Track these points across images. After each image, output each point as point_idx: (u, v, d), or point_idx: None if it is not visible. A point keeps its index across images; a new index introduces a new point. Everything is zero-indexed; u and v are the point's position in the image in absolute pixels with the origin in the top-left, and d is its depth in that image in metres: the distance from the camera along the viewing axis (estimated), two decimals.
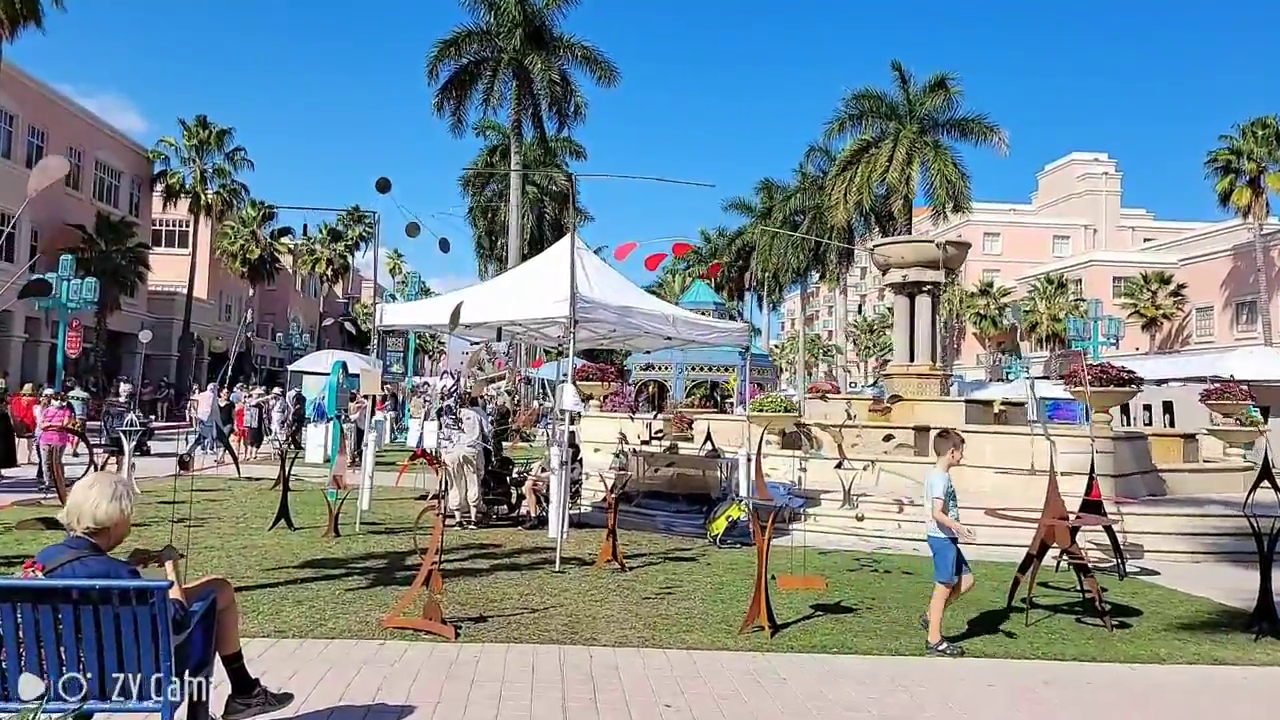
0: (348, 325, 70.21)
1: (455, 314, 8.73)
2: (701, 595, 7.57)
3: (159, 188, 46.12)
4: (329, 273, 64.55)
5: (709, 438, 12.21)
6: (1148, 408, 24.73)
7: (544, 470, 11.43)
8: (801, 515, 11.17)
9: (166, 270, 47.18)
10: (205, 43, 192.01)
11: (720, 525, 9.75)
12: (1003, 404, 16.06)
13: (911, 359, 17.11)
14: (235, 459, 15.49)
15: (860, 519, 10.18)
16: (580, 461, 11.46)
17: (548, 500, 10.92)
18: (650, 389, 30.01)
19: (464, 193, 47.06)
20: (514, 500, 11.64)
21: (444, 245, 11.06)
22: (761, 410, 13.70)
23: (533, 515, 10.87)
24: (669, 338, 9.92)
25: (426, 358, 66.89)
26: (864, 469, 11.32)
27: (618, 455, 12.18)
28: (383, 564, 8.41)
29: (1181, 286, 46.25)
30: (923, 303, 17.04)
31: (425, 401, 22.18)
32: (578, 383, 19.02)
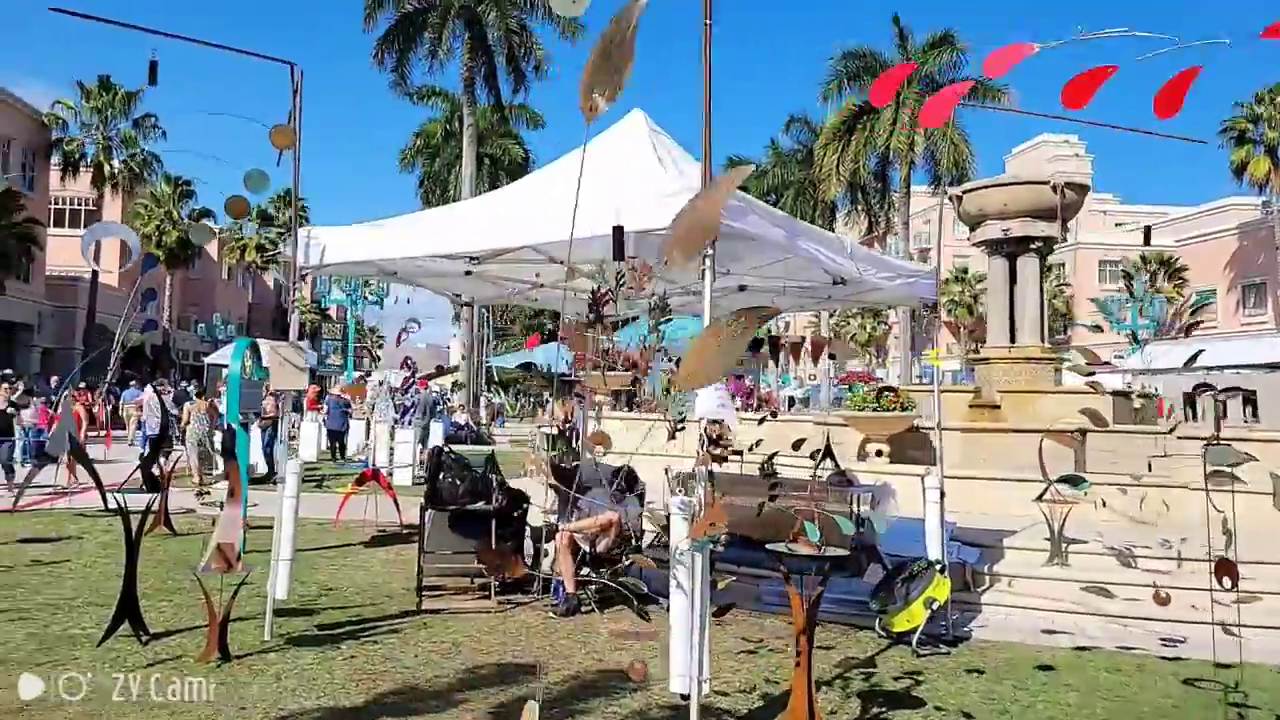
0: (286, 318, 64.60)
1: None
2: None
3: (55, 158, 40.20)
4: (259, 260, 58.80)
5: (828, 452, 8.01)
6: (1219, 399, 21.50)
7: (562, 512, 7.21)
8: (984, 577, 7.16)
9: (67, 254, 41.35)
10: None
11: (917, 616, 5.61)
12: (1140, 396, 12.29)
13: (1013, 339, 13.22)
14: (98, 480, 10.89)
15: (1105, 593, 6.11)
16: (641, 498, 7.26)
17: (597, 562, 6.70)
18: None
19: (410, 165, 42.11)
20: (526, 558, 7.37)
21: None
22: (865, 408, 9.66)
23: (568, 590, 6.62)
24: (839, 281, 5.84)
25: (366, 353, 61.56)
26: (1079, 494, 7.29)
27: (680, 479, 8.00)
28: None
29: (1182, 269, 43.67)
30: (1028, 265, 13.15)
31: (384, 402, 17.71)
32: (588, 369, 14.74)
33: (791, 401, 43.14)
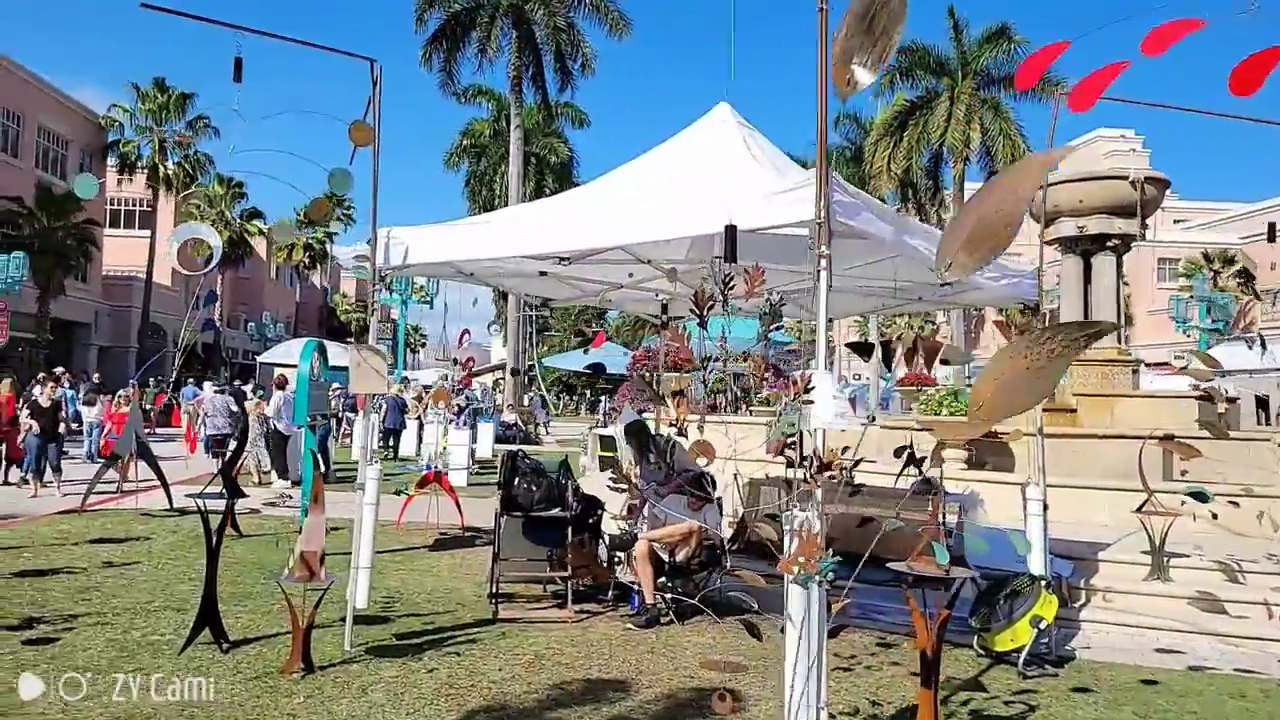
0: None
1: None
2: None
3: (111, 160, 41.01)
4: (306, 260, 59.52)
5: (911, 456, 7.70)
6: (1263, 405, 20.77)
7: (621, 519, 7.01)
8: (1080, 592, 6.82)
9: (123, 254, 42.23)
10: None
11: (1022, 635, 5.31)
12: (1226, 400, 11.77)
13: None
14: (163, 480, 10.95)
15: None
16: (720, 505, 7.03)
17: (674, 572, 6.50)
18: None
19: (456, 165, 42.22)
20: (603, 564, 7.18)
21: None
22: (942, 410, 9.32)
23: (647, 602, 6.41)
24: (946, 282, 5.56)
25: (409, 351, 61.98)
26: (1179, 505, 6.91)
27: (752, 485, 7.79)
28: None
29: (1247, 267, 42.21)
30: (1104, 263, 12.66)
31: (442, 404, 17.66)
32: (650, 370, 14.52)
33: None
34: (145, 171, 40.99)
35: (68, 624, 5.92)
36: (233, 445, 10.45)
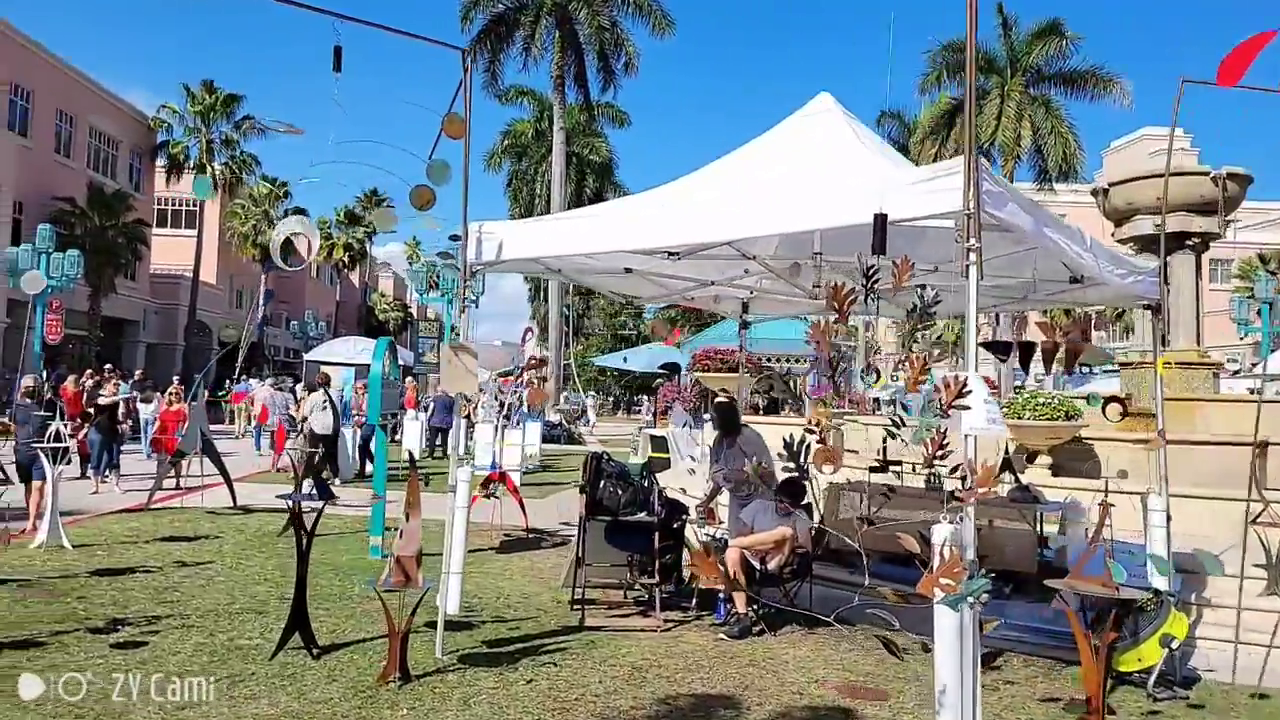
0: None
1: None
2: None
3: (161, 160, 41.61)
4: (345, 259, 60.00)
5: (1007, 462, 7.41)
6: None
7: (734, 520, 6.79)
8: (1192, 608, 6.48)
9: (170, 253, 42.79)
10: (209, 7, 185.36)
11: (1150, 656, 5.01)
12: None
13: (1164, 342, 12.28)
14: (227, 477, 10.94)
15: None
16: (810, 510, 6.80)
17: (764, 580, 6.28)
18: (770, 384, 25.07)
19: (498, 165, 42.28)
20: (680, 569, 6.99)
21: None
22: (1026, 414, 9.01)
23: (739, 611, 6.20)
24: (1076, 279, 5.28)
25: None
26: None
27: (831, 489, 7.54)
28: None
29: None
30: (1183, 263, 12.22)
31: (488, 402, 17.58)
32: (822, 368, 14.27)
33: (877, 403, 41.94)
34: (193, 172, 41.47)
35: (152, 626, 5.84)
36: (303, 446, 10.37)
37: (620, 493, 6.56)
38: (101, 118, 37.71)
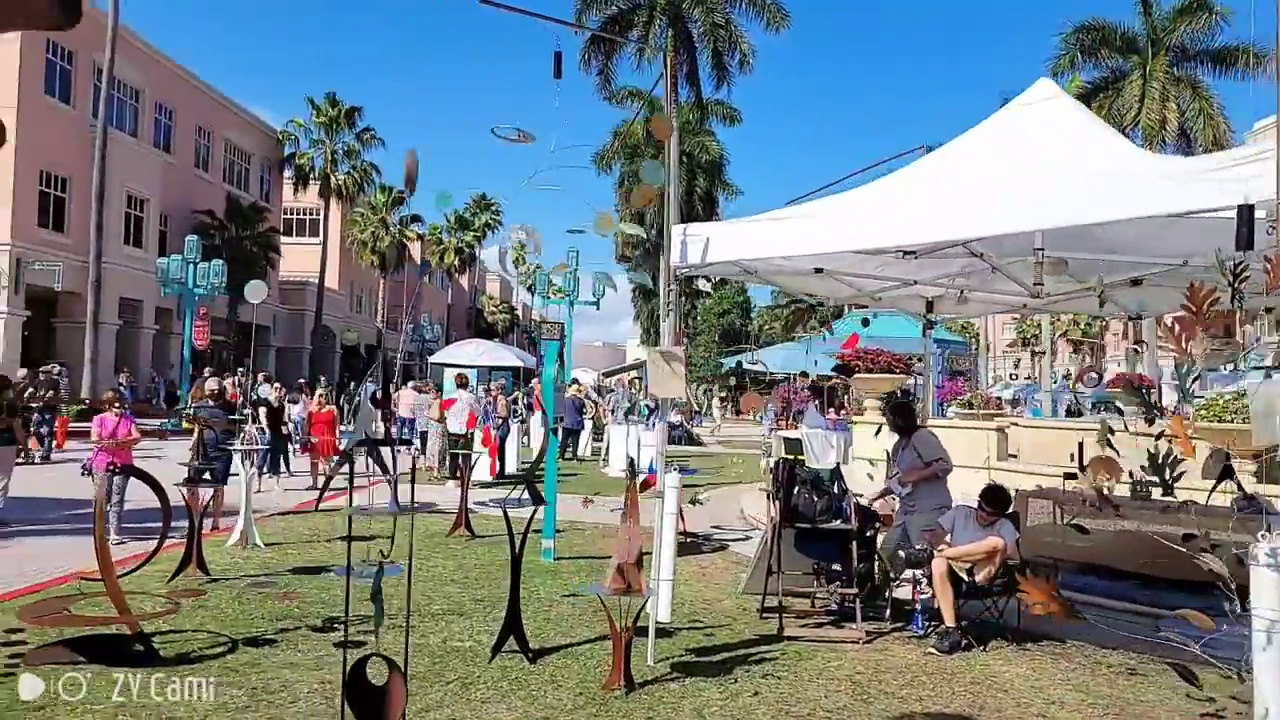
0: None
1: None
2: None
3: (288, 172, 43.63)
4: (456, 263, 61.58)
5: (1229, 469, 6.88)
6: None
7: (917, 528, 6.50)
8: None
9: (296, 260, 44.78)
10: (327, 21, 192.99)
11: None
12: None
13: None
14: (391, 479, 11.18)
15: None
16: (1015, 520, 6.46)
17: (971, 593, 5.99)
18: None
19: (608, 166, 42.57)
20: (876, 581, 6.75)
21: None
22: (1223, 417, 8.40)
23: (948, 624, 5.93)
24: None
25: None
26: None
27: (1018, 497, 7.16)
28: None
29: None
30: None
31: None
32: (856, 371, 13.94)
33: (998, 402, 40.22)
34: (318, 182, 43.29)
35: (366, 625, 5.96)
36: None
37: (816, 499, 6.38)
38: (235, 132, 39.73)
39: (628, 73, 40.63)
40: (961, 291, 6.38)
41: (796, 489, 6.44)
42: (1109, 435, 7.72)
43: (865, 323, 12.32)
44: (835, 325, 27.15)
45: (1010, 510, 6.46)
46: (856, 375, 12.85)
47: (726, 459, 21.49)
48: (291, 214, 48.05)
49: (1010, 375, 59.92)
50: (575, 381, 24.34)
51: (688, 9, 32.16)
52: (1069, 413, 35.40)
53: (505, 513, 5.72)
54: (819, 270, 6.43)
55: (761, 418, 38.70)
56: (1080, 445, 7.74)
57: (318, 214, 46.40)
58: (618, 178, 42.74)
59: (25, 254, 25.89)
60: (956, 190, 4.43)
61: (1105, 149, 4.44)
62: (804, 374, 19.73)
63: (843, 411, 19.74)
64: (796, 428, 20.88)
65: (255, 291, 10.90)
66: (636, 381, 36.52)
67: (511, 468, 16.30)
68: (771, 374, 34.67)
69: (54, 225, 27.72)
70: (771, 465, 6.95)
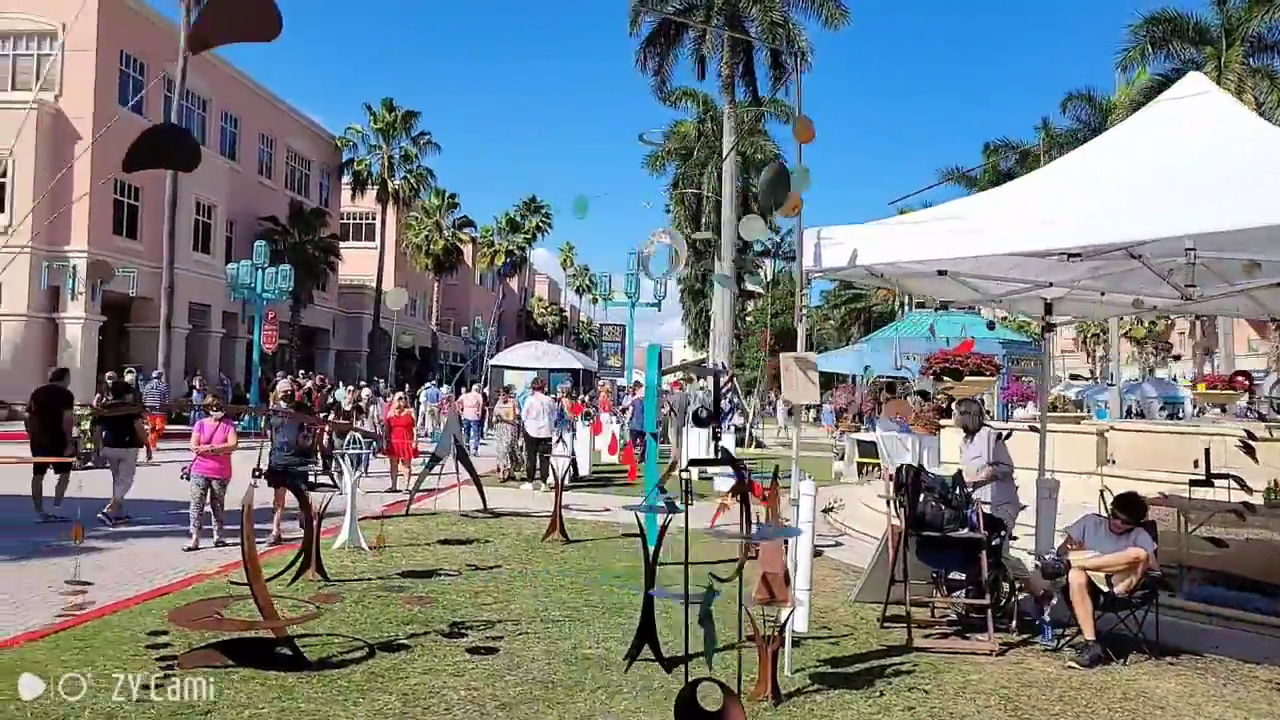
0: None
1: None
2: None
3: (346, 177, 44.31)
4: (506, 265, 62.03)
5: None
6: None
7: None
8: None
9: (352, 264, 45.44)
10: (383, 28, 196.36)
11: None
12: None
13: None
14: (478, 481, 11.24)
15: None
16: (1152, 529, 6.26)
17: (1110, 605, 5.80)
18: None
19: (661, 167, 42.53)
20: (1004, 588, 6.58)
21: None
22: None
23: (1088, 638, 5.75)
24: None
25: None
26: None
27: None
28: None
29: None
30: None
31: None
32: (935, 375, 13.72)
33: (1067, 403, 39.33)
34: (375, 187, 43.88)
35: (492, 631, 5.96)
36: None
37: (943, 508, 6.24)
38: (296, 139, 40.40)
39: (684, 74, 40.37)
40: (1102, 293, 6.18)
41: (923, 496, 6.30)
42: (1250, 442, 7.44)
43: (991, 325, 12.10)
44: (898, 325, 26.76)
45: (1149, 519, 6.26)
46: (965, 379, 12.61)
47: (781, 458, 21.23)
48: (349, 219, 48.80)
49: (1091, 380, 58.79)
50: (638, 384, 24.30)
51: (745, 8, 31.96)
52: (1139, 415, 34.50)
53: (639, 519, 5.67)
54: (942, 273, 6.28)
55: (820, 418, 38.32)
56: (1207, 452, 7.47)
57: (374, 218, 47.02)
58: (672, 178, 42.71)
59: (100, 261, 26.58)
60: (1118, 190, 4.26)
61: (1271, 142, 4.25)
62: (901, 379, 19.36)
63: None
64: (859, 429, 20.59)
65: (396, 298, 11.15)
66: (683, 383, 36.30)
67: (584, 470, 16.31)
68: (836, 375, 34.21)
69: (128, 232, 28.43)
70: (892, 471, 6.80)
